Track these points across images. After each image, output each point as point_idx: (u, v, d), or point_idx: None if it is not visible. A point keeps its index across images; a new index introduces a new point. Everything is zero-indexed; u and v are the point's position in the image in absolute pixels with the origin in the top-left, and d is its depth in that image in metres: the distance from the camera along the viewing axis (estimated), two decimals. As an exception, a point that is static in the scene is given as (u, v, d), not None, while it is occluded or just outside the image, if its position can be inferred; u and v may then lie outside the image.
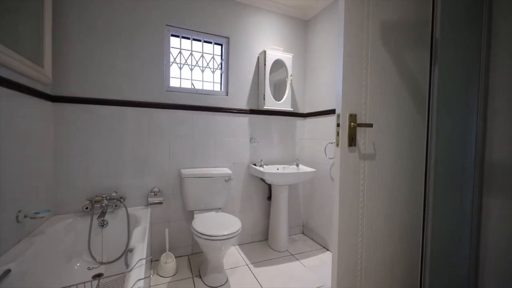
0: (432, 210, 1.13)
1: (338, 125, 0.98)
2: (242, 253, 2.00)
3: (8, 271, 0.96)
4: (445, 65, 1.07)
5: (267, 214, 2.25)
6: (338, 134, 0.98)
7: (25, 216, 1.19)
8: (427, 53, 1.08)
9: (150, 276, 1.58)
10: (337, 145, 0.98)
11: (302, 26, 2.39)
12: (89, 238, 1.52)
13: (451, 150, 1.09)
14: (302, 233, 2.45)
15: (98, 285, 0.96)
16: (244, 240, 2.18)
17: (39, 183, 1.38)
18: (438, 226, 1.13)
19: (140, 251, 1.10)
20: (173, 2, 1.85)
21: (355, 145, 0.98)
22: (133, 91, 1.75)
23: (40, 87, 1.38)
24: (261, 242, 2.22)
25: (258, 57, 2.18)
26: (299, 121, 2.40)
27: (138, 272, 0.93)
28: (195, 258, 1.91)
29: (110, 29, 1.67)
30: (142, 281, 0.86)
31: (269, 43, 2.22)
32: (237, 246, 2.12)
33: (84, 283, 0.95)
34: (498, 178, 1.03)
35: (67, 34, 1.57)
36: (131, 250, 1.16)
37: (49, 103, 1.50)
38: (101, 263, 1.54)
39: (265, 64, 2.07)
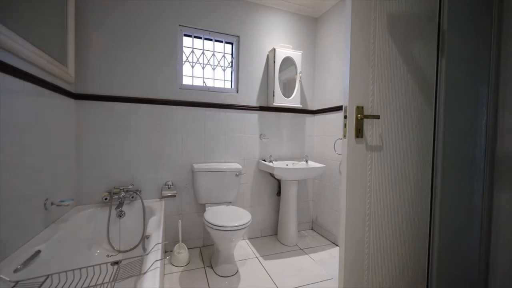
0: (439, 203, 1.13)
1: (345, 117, 1.01)
2: (252, 246, 2.05)
3: (39, 251, 1.05)
4: (452, 57, 1.07)
5: (277, 209, 2.29)
6: (345, 125, 1.01)
7: (52, 204, 1.29)
8: (435, 45, 1.09)
9: (166, 258, 1.66)
10: (344, 136, 1.01)
11: (311, 24, 2.41)
12: (108, 227, 1.62)
13: (460, 142, 1.09)
14: (312, 229, 2.46)
15: (119, 266, 1.03)
16: (254, 234, 2.23)
17: (63, 174, 1.48)
18: (446, 219, 1.13)
19: (156, 237, 1.17)
20: (186, 3, 1.92)
21: (362, 136, 1.01)
22: (148, 89, 1.84)
23: (64, 85, 1.48)
24: (271, 236, 2.26)
25: (268, 55, 2.22)
26: (308, 117, 2.42)
27: (155, 254, 0.99)
28: (207, 250, 1.97)
29: (127, 30, 1.77)
30: (159, 261, 0.93)
31: (279, 41, 2.26)
32: (247, 240, 2.17)
33: (106, 263, 1.02)
34: (511, 171, 1.02)
35: (88, 35, 1.67)
36: (147, 237, 1.23)
37: (72, 101, 1.61)
38: (119, 251, 1.63)
39: (274, 62, 2.11)
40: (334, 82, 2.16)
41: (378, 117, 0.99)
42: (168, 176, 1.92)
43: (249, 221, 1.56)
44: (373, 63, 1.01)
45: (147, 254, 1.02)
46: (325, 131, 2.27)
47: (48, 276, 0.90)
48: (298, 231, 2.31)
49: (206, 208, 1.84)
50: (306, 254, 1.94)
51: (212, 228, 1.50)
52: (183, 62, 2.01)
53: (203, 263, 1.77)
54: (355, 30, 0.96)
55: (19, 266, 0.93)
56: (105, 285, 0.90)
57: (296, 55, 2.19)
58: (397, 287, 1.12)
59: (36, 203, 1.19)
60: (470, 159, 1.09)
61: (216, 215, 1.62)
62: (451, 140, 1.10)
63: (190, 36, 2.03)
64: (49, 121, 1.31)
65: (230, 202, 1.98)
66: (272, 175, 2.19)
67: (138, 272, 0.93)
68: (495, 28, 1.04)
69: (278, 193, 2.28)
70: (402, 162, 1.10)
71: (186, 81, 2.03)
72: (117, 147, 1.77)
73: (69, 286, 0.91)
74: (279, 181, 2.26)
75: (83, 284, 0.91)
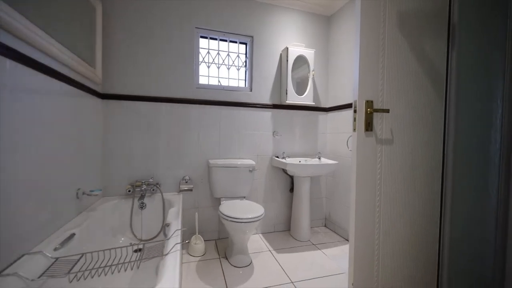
0: (450, 197, 1.13)
1: (355, 111, 1.04)
2: (265, 241, 2.10)
3: (73, 234, 1.17)
4: (463, 50, 1.06)
5: (289, 205, 2.33)
6: (355, 119, 1.04)
7: (83, 193, 1.42)
8: (445, 39, 1.09)
9: (186, 241, 1.77)
10: (354, 130, 1.04)
11: (324, 22, 2.43)
12: (131, 217, 1.74)
13: (472, 136, 1.08)
14: (325, 226, 2.48)
15: (143, 248, 1.12)
16: (267, 229, 2.28)
17: (92, 167, 1.62)
18: (458, 213, 1.12)
19: (176, 225, 1.26)
20: (203, 7, 2.02)
21: (371, 130, 1.03)
22: (167, 89, 1.95)
23: (93, 86, 1.62)
24: (283, 232, 2.30)
25: (281, 53, 2.27)
26: (321, 115, 2.44)
27: (175, 239, 1.08)
28: (222, 242, 2.05)
29: (147, 34, 1.89)
30: (179, 245, 1.01)
31: (292, 40, 2.30)
32: (260, 234, 2.23)
33: (132, 245, 1.12)
34: (528, 165, 1.00)
35: (112, 39, 1.80)
36: (168, 225, 1.32)
37: (99, 100, 1.74)
38: (141, 240, 1.74)
39: (287, 60, 2.15)
40: (347, 80, 2.16)
41: (387, 111, 1.02)
42: (185, 171, 2.02)
43: (262, 214, 1.61)
44: (383, 58, 1.03)
45: (168, 239, 1.10)
46: (338, 128, 2.28)
47: (82, 254, 1.01)
48: (311, 227, 2.34)
49: (221, 202, 1.92)
50: (319, 249, 1.97)
51: (227, 219, 1.58)
52: (200, 63, 2.10)
53: (218, 254, 1.85)
54: (364, 26, 0.99)
55: (57, 246, 1.05)
56: (132, 263, 0.99)
57: (309, 53, 2.22)
58: (407, 281, 1.13)
59: (70, 192, 1.32)
60: (484, 153, 1.08)
61: (231, 208, 1.69)
62: (463, 134, 1.10)
63: (206, 37, 2.12)
64: (81, 119, 1.44)
65: (244, 197, 2.05)
66: (285, 171, 2.24)
67: (160, 254, 1.02)
68: (511, 19, 1.03)
69: (291, 189, 2.32)
70: (413, 156, 1.11)
71: (202, 80, 2.13)
72: (138, 143, 1.89)
73: (100, 264, 1.01)
74: (292, 177, 2.29)
75: (112, 262, 1.01)
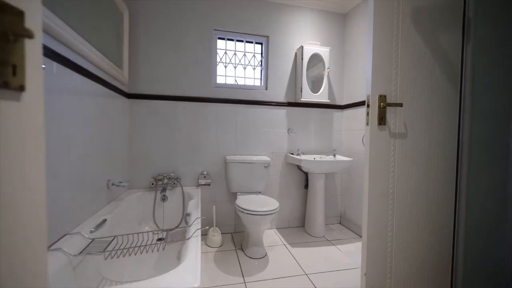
0: (465, 192, 1.11)
1: (368, 105, 1.06)
2: (279, 235, 2.15)
3: (105, 220, 1.29)
4: (479, 44, 1.05)
5: (304, 202, 2.36)
6: (368, 114, 1.06)
7: (112, 184, 1.55)
8: (460, 33, 1.08)
9: (206, 227, 1.86)
10: (367, 124, 1.07)
11: (339, 20, 2.44)
12: (154, 208, 1.86)
13: (488, 128, 1.07)
14: (340, 223, 2.48)
15: (166, 237, 1.21)
16: (282, 224, 2.33)
17: (119, 162, 1.75)
18: (473, 207, 1.10)
19: (196, 214, 1.35)
20: (220, 9, 2.11)
21: (384, 124, 1.06)
22: (187, 88, 2.06)
23: (120, 86, 1.76)
24: (298, 228, 2.33)
25: (296, 52, 2.31)
26: (336, 113, 2.45)
27: (196, 225, 1.16)
28: (237, 235, 2.13)
29: (169, 36, 2.01)
30: (199, 230, 1.09)
31: (307, 38, 2.33)
32: (275, 229, 2.28)
33: (158, 231, 1.22)
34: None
35: (137, 42, 1.94)
36: (188, 214, 1.42)
37: (126, 99, 1.89)
38: (163, 230, 1.86)
39: (302, 59, 2.19)
40: (364, 76, 2.16)
41: (401, 105, 1.03)
42: (204, 166, 2.12)
43: (277, 207, 1.67)
44: (396, 52, 1.05)
45: (189, 226, 1.19)
46: (353, 125, 2.28)
47: (114, 237, 1.12)
48: (326, 224, 2.35)
49: (237, 196, 1.99)
50: (333, 245, 1.99)
51: (244, 212, 1.65)
52: (217, 63, 2.20)
53: (235, 246, 1.92)
54: (377, 21, 1.02)
55: (92, 229, 1.17)
56: (158, 245, 1.09)
57: (324, 51, 2.24)
58: (420, 270, 1.14)
59: (102, 183, 1.45)
60: (501, 146, 1.06)
61: (247, 201, 1.76)
62: (478, 126, 1.08)
63: (223, 38, 2.21)
64: (111, 117, 1.58)
65: (260, 192, 2.11)
66: (299, 167, 2.27)
67: (183, 238, 1.11)
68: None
69: (306, 186, 2.35)
70: (427, 149, 1.11)
71: (220, 80, 2.22)
72: (160, 139, 2.02)
73: (130, 245, 1.12)
74: (306, 174, 2.32)
75: (141, 243, 1.12)
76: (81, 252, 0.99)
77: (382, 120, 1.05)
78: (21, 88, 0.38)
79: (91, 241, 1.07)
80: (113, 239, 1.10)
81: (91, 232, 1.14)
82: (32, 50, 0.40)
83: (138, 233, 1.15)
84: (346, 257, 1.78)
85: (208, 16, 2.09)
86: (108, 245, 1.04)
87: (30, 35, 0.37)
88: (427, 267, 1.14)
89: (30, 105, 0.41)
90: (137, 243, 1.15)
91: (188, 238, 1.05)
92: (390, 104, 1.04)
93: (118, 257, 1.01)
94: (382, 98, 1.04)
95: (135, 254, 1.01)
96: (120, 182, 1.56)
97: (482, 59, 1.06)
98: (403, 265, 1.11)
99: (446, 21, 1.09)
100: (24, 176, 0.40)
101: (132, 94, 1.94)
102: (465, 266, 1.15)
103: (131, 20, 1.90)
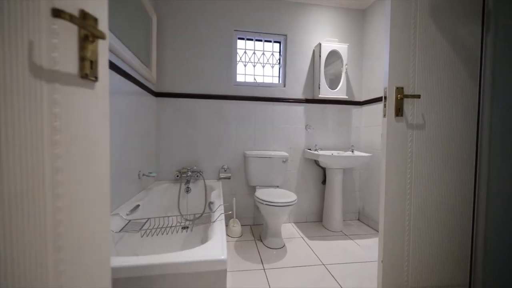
0: (486, 185, 1.10)
1: (385, 98, 1.10)
2: (297, 229, 2.20)
3: (138, 205, 1.43)
4: (498, 34, 1.04)
5: (322, 197, 2.39)
6: (385, 106, 1.10)
7: (143, 175, 1.70)
8: (479, 24, 1.08)
9: (229, 212, 1.97)
10: (384, 116, 1.10)
11: (358, 16, 2.44)
12: (178, 199, 1.99)
13: (510, 118, 1.05)
14: (358, 219, 2.48)
15: (192, 224, 1.32)
16: (299, 219, 2.38)
17: (148, 155, 1.91)
18: (494, 196, 1.09)
19: (218, 202, 1.45)
20: (240, 11, 2.21)
21: (402, 115, 1.08)
22: (208, 86, 2.18)
23: (149, 85, 1.91)
24: (316, 222, 2.37)
25: (314, 49, 2.34)
26: (355, 109, 2.45)
27: (219, 211, 1.26)
28: (256, 227, 2.21)
29: (192, 38, 2.14)
30: (223, 215, 1.19)
31: (325, 35, 2.36)
32: (292, 223, 2.34)
33: (187, 215, 1.33)
34: None
35: (163, 43, 2.09)
36: (212, 203, 1.52)
37: (154, 97, 2.04)
38: (186, 219, 1.99)
39: (320, 56, 2.22)
40: (383, 72, 2.14)
41: (418, 96, 1.05)
42: (224, 161, 2.23)
43: (295, 200, 1.72)
44: (414, 45, 1.07)
45: (214, 212, 1.29)
46: (372, 121, 2.27)
47: (148, 219, 1.24)
48: (344, 220, 2.36)
49: (257, 189, 2.07)
50: (351, 239, 2.00)
51: (263, 203, 1.72)
52: (237, 62, 2.29)
53: (254, 237, 2.01)
54: (395, 14, 1.04)
55: (128, 212, 1.30)
56: (187, 225, 1.19)
57: (342, 48, 2.26)
58: (439, 262, 1.14)
59: (134, 173, 1.60)
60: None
61: (266, 193, 1.84)
62: (498, 118, 1.07)
63: (243, 38, 2.31)
64: (142, 114, 1.73)
65: (278, 186, 2.18)
66: (317, 163, 2.31)
67: (208, 222, 1.21)
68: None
69: (323, 181, 2.38)
70: (446, 139, 1.12)
71: (239, 78, 2.32)
72: (184, 135, 2.15)
73: (162, 225, 1.24)
74: (324, 169, 2.35)
75: (171, 224, 1.23)
76: (120, 230, 1.12)
77: (399, 111, 1.08)
78: (96, 78, 0.49)
79: (128, 222, 1.21)
80: (147, 221, 1.23)
81: (127, 214, 1.27)
82: (102, 49, 0.51)
83: (168, 217, 1.27)
84: (364, 251, 1.79)
85: (229, 17, 2.20)
86: (143, 226, 1.16)
87: (102, 36, 0.47)
88: (446, 254, 1.15)
89: (100, 92, 0.51)
90: (167, 225, 1.27)
91: (214, 221, 1.14)
92: (407, 96, 1.06)
93: (152, 236, 1.13)
94: (399, 90, 1.07)
95: (167, 234, 1.13)
96: (150, 173, 1.70)
97: (502, 50, 1.05)
98: (421, 253, 1.13)
99: (465, 12, 1.09)
100: (93, 147, 0.51)
101: (159, 93, 2.09)
102: (484, 254, 1.14)
103: (159, 23, 2.05)
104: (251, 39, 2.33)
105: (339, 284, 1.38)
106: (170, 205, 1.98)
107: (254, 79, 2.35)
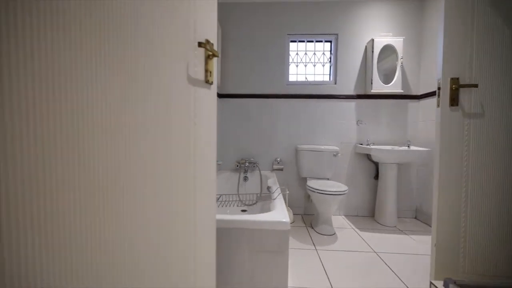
0: None
1: (439, 88, 1.14)
2: (348, 221, 2.27)
3: (210, 186, 1.75)
4: None
5: (373, 192, 2.39)
6: (438, 95, 1.14)
7: (212, 163, 2.04)
8: None
9: (287, 192, 2.18)
10: (438, 106, 1.15)
11: (415, 7, 2.36)
12: (238, 186, 2.29)
13: None
14: (415, 217, 2.39)
15: (257, 197, 1.57)
16: (350, 212, 2.43)
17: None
18: None
19: (275, 186, 1.67)
20: (292, 15, 2.40)
21: (457, 105, 1.11)
22: (263, 87, 2.44)
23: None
24: (367, 217, 2.38)
25: (366, 45, 2.37)
26: (411, 103, 2.38)
27: (278, 191, 1.48)
28: (307, 217, 2.36)
29: (249, 42, 2.42)
30: (281, 194, 1.40)
31: (377, 30, 2.36)
32: (343, 216, 2.41)
33: (252, 194, 1.60)
34: None
35: (225, 50, 2.42)
36: (269, 187, 1.75)
37: (218, 99, 2.39)
38: (245, 204, 2.27)
39: (372, 51, 2.24)
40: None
41: (476, 85, 1.07)
42: (277, 154, 2.45)
43: (346, 189, 1.82)
44: (472, 33, 1.09)
45: (273, 193, 1.52)
46: (431, 115, 2.18)
47: (220, 195, 1.54)
48: (398, 217, 2.32)
49: (308, 180, 2.23)
50: (406, 234, 1.98)
51: (315, 192, 1.88)
52: (289, 63, 2.49)
53: (305, 224, 2.17)
54: (449, 2, 1.09)
55: (204, 190, 1.63)
56: (254, 199, 1.46)
57: (397, 42, 2.24)
58: (499, 257, 1.12)
59: (205, 160, 1.95)
60: None
61: (318, 183, 1.98)
62: None
63: (295, 41, 2.49)
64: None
65: (328, 178, 2.29)
66: (369, 157, 2.33)
67: (269, 199, 1.44)
68: None
69: (376, 176, 2.38)
70: (507, 129, 1.09)
71: (292, 78, 2.51)
72: (242, 131, 2.45)
73: (232, 200, 1.53)
74: (376, 164, 2.35)
75: (239, 199, 1.51)
76: (202, 201, 1.44)
77: (454, 101, 1.11)
78: (212, 83, 0.75)
79: (206, 196, 1.52)
80: (220, 196, 1.53)
81: (204, 191, 1.60)
82: (215, 63, 0.77)
83: (237, 194, 1.55)
84: (419, 245, 1.77)
85: (282, 23, 2.41)
86: (218, 199, 1.46)
87: (217, 55, 0.73)
88: (504, 241, 1.11)
89: (213, 91, 0.78)
90: (236, 200, 1.55)
91: (274, 199, 1.37)
92: (463, 86, 1.09)
93: (224, 207, 1.42)
94: (454, 80, 1.10)
95: (237, 206, 1.40)
96: (217, 161, 2.03)
97: None
98: (478, 238, 1.13)
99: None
100: (208, 132, 0.77)
101: (222, 94, 2.43)
102: None
103: (223, 34, 2.39)
104: (303, 41, 2.49)
105: (391, 269, 1.45)
106: (231, 191, 2.30)
107: (306, 78, 2.51)
